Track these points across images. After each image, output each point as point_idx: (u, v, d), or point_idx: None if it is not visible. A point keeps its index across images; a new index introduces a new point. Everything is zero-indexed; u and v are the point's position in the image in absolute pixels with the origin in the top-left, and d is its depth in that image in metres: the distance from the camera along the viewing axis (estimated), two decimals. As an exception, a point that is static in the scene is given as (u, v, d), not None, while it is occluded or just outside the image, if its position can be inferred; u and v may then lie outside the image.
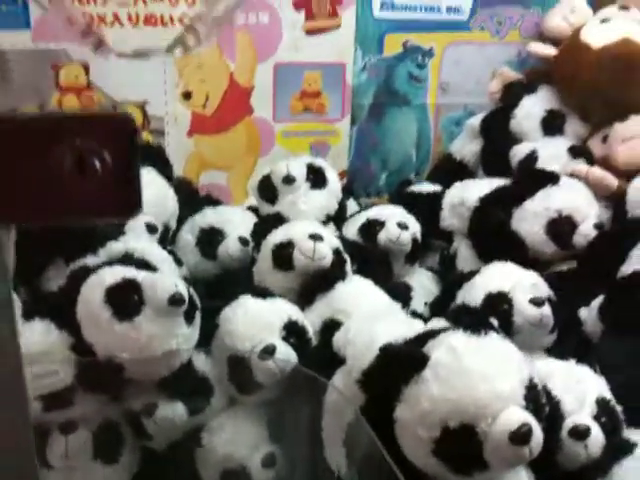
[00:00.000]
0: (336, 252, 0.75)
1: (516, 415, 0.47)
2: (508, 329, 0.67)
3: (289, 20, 0.98)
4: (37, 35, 0.87)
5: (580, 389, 0.57)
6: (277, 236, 0.76)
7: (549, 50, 1.02)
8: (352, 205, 0.99)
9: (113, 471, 0.64)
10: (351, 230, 0.88)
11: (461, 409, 0.48)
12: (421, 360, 0.50)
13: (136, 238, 0.72)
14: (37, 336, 0.61)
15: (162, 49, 0.86)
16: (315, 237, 0.73)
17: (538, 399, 0.50)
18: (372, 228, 0.86)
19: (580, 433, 0.54)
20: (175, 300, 0.60)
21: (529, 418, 0.47)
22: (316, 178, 0.87)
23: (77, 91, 0.90)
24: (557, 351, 0.67)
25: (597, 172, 0.88)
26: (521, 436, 0.46)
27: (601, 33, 0.95)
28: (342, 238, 0.82)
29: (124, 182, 0.27)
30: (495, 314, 0.65)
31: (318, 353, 0.66)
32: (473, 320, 0.54)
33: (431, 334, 0.54)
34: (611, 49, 0.92)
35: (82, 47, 0.88)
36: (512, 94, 1.02)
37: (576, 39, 0.98)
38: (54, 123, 0.26)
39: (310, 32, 1.00)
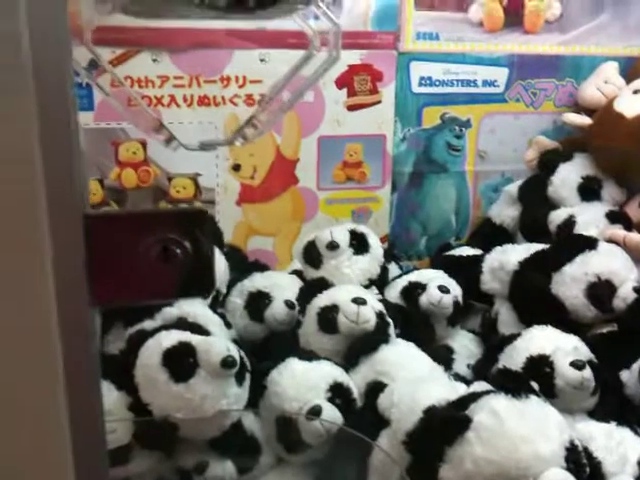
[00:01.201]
0: (379, 315, 0.78)
1: (557, 476, 0.49)
2: (550, 392, 0.68)
3: (332, 98, 1.04)
4: (99, 116, 0.94)
5: (621, 450, 0.58)
6: (322, 300, 0.79)
7: (584, 119, 1.05)
8: (394, 269, 1.02)
9: (167, 528, 0.67)
10: (393, 293, 0.91)
11: (504, 471, 0.49)
12: (464, 422, 0.52)
13: (190, 303, 0.76)
14: (98, 396, 0.65)
15: (223, 141, 0.93)
16: (359, 301, 0.77)
17: (579, 460, 0.52)
18: (414, 291, 0.89)
19: (623, 496, 0.55)
20: (227, 363, 0.63)
21: (570, 478, 0.49)
22: (359, 244, 0.90)
23: (135, 165, 0.97)
24: (599, 413, 0.68)
25: (635, 237, 0.89)
26: (563, 497, 0.48)
27: (634, 103, 0.99)
28: (385, 301, 0.85)
29: (201, 266, 0.31)
30: (537, 377, 0.67)
31: (363, 415, 0.68)
32: (514, 383, 0.56)
33: (473, 397, 0.56)
34: (644, 118, 0.96)
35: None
36: (548, 161, 1.05)
37: (610, 109, 1.01)
38: (143, 218, 0.31)
39: (351, 108, 1.05)
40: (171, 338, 0.66)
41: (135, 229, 0.29)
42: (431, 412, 0.54)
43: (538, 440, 0.50)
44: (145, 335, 0.68)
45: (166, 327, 0.69)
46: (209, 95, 0.98)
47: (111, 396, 0.65)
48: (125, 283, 0.29)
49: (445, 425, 0.53)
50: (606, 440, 0.59)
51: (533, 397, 0.54)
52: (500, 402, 0.53)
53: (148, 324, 0.72)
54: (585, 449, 0.57)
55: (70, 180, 0.29)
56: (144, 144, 0.96)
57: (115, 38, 0.92)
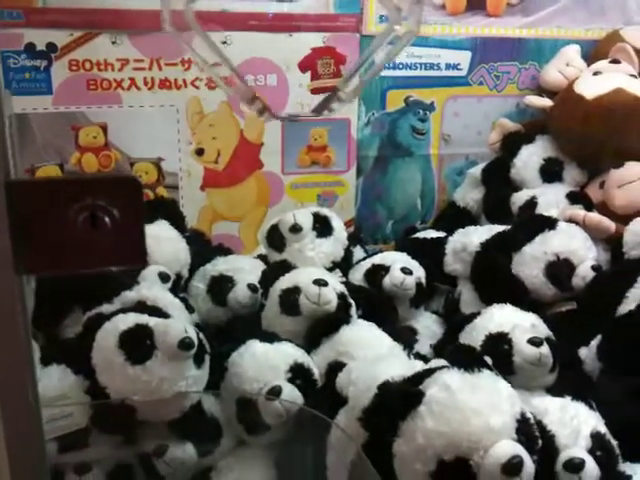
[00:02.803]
0: (341, 297, 0.78)
1: (507, 448, 0.49)
2: (508, 369, 0.69)
3: (296, 81, 1.04)
4: (58, 99, 0.93)
5: (575, 424, 0.59)
6: (284, 282, 0.79)
7: (545, 102, 1.06)
8: (359, 252, 1.02)
9: (126, 511, 0.66)
10: (357, 276, 0.91)
11: (455, 443, 0.50)
12: (417, 396, 0.53)
13: (149, 287, 0.75)
14: (54, 381, 0.65)
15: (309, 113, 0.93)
16: (320, 282, 0.77)
17: (530, 432, 0.52)
18: (377, 273, 0.89)
19: (574, 466, 0.56)
20: (185, 344, 0.63)
21: (520, 450, 0.49)
22: (322, 227, 0.90)
23: (96, 150, 0.96)
24: (557, 390, 0.69)
25: (594, 216, 0.90)
26: (512, 467, 0.48)
27: (594, 85, 1.00)
28: (347, 283, 0.85)
29: (131, 235, 0.31)
30: (495, 354, 0.68)
31: (323, 394, 0.69)
32: (467, 358, 0.56)
33: (428, 373, 0.57)
34: (604, 99, 0.97)
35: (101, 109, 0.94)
36: (511, 144, 1.06)
37: (570, 91, 1.02)
38: (71, 185, 0.30)
39: (315, 91, 1.05)
40: (128, 321, 0.65)
41: (61, 196, 0.28)
42: (385, 387, 0.54)
43: (489, 413, 0.50)
44: (102, 318, 0.67)
45: (124, 310, 0.69)
46: (170, 78, 0.97)
47: (67, 380, 0.65)
48: (53, 251, 0.29)
49: (398, 400, 0.53)
50: (560, 414, 0.60)
51: (486, 371, 0.54)
52: (452, 376, 0.53)
53: (106, 308, 0.71)
54: (539, 422, 0.58)
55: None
56: (105, 128, 0.95)
57: (73, 20, 0.90)
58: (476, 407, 0.50)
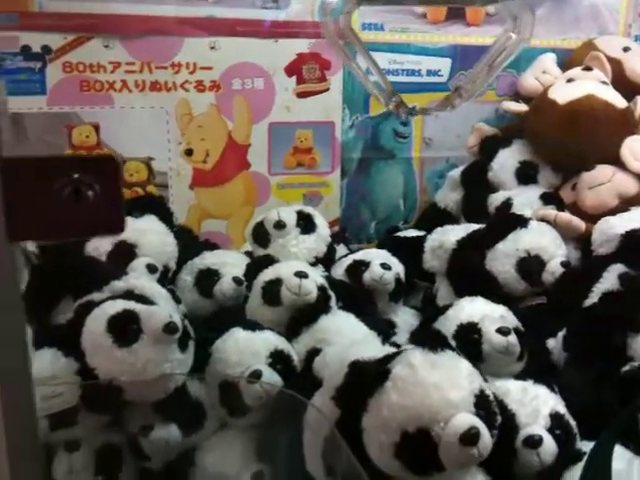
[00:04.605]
0: (321, 289, 0.82)
1: (465, 419, 0.53)
2: (478, 357, 0.72)
3: (282, 85, 1.08)
4: (52, 100, 0.97)
5: (535, 404, 0.63)
6: (267, 275, 0.83)
7: (521, 107, 1.11)
8: (343, 250, 1.06)
9: (112, 489, 0.70)
10: (339, 271, 0.95)
11: (417, 415, 0.54)
12: (383, 373, 0.56)
13: (137, 277, 0.79)
14: (46, 363, 0.68)
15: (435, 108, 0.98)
16: (301, 275, 0.80)
17: (488, 407, 0.56)
18: (357, 269, 0.93)
19: (533, 442, 0.59)
20: (169, 328, 0.66)
21: (477, 422, 0.53)
22: (306, 224, 0.94)
23: (88, 149, 1.00)
24: (521, 374, 0.73)
25: (564, 216, 0.95)
26: (470, 437, 0.52)
27: (567, 91, 1.04)
28: (328, 277, 0.89)
29: (110, 207, 0.35)
30: (466, 343, 0.72)
31: (302, 378, 0.72)
32: (431, 339, 0.60)
33: (396, 354, 0.60)
34: (575, 104, 1.01)
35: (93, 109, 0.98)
36: (488, 147, 1.11)
37: (544, 96, 1.07)
38: (57, 162, 0.34)
39: (301, 95, 1.09)
40: (116, 306, 0.69)
41: (49, 172, 0.32)
42: (355, 365, 0.58)
43: (449, 387, 0.54)
44: (92, 305, 0.71)
45: (113, 298, 0.72)
46: (160, 81, 1.01)
47: (58, 363, 0.68)
48: (41, 220, 0.33)
49: (367, 376, 0.57)
50: (521, 395, 0.64)
51: (448, 351, 0.58)
52: (416, 355, 0.57)
53: (96, 296, 0.75)
54: (500, 402, 0.61)
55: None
56: (97, 128, 0.99)
57: (67, 24, 0.94)
58: (436, 382, 0.54)
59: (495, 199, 1.05)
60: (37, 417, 0.41)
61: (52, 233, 0.34)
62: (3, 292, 0.34)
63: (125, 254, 0.84)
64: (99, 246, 0.84)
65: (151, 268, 0.82)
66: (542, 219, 0.95)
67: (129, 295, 0.73)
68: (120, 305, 0.69)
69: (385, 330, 0.83)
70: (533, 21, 0.67)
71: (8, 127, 0.92)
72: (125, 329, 0.67)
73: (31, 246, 0.80)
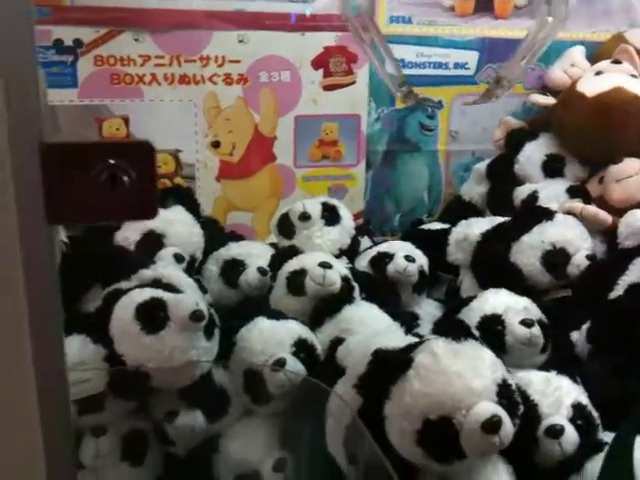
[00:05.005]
0: (344, 279, 0.82)
1: (488, 407, 0.53)
2: (502, 348, 0.73)
3: (308, 78, 1.09)
4: (83, 93, 0.99)
5: (557, 395, 0.63)
6: (291, 265, 0.84)
7: (549, 100, 1.10)
8: (367, 243, 1.07)
9: (138, 473, 0.71)
10: (362, 263, 0.96)
11: (439, 403, 0.54)
12: (406, 362, 0.57)
13: (165, 266, 0.80)
14: (75, 349, 0.70)
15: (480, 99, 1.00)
16: (325, 265, 0.81)
17: (511, 396, 0.56)
18: (381, 260, 0.94)
19: (555, 432, 0.60)
20: (196, 316, 0.68)
21: (499, 411, 0.53)
22: (330, 215, 0.95)
23: (118, 141, 1.02)
24: (548, 368, 0.73)
25: (591, 209, 0.94)
26: (491, 425, 0.52)
27: (595, 83, 1.03)
28: (352, 268, 0.89)
29: (145, 193, 0.36)
30: (489, 334, 0.72)
31: (325, 367, 0.73)
32: (454, 328, 0.61)
33: (419, 343, 0.61)
34: (604, 97, 1.00)
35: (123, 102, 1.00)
36: (515, 141, 1.10)
37: (572, 89, 1.06)
38: (94, 147, 0.35)
39: (327, 88, 1.10)
40: (144, 294, 0.70)
41: (87, 157, 0.33)
42: (378, 354, 0.59)
43: (471, 376, 0.54)
44: (120, 293, 0.72)
45: (141, 286, 0.74)
46: (189, 74, 1.02)
47: (87, 349, 0.70)
48: (78, 204, 0.34)
49: (390, 365, 0.57)
50: (544, 385, 0.64)
51: (471, 340, 0.58)
52: (439, 344, 0.57)
53: (124, 284, 0.76)
54: (523, 392, 0.62)
55: (28, 113, 0.33)
56: (127, 121, 1.01)
57: (98, 18, 0.96)
58: (459, 370, 0.55)
59: (521, 192, 1.04)
60: (70, 402, 0.42)
61: (88, 217, 0.35)
62: (42, 274, 0.35)
63: (153, 244, 0.86)
64: (128, 236, 0.86)
65: (178, 258, 0.84)
66: (568, 212, 0.95)
67: (156, 284, 0.75)
68: (148, 293, 0.70)
69: (408, 321, 0.83)
70: (567, 5, 0.67)
71: (48, 117, 0.94)
72: (153, 316, 0.68)
73: (61, 235, 0.82)
